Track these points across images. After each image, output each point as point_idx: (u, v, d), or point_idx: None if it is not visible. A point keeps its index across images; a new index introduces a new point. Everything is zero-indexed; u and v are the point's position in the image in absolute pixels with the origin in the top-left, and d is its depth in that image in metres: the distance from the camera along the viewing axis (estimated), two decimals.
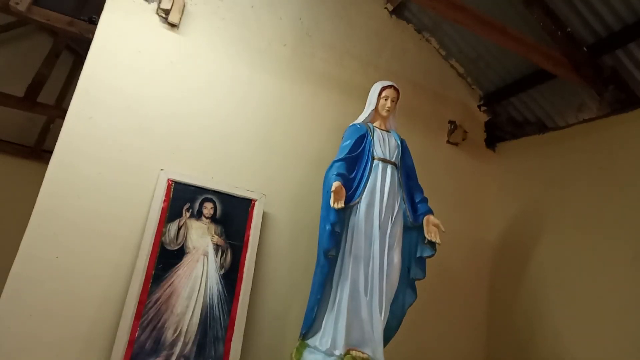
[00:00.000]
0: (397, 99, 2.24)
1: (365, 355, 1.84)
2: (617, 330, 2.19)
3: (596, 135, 2.54)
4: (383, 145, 2.14)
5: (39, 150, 4.29)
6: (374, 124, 2.21)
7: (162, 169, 2.13)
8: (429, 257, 2.09)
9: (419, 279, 2.11)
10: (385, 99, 2.20)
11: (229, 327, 2.04)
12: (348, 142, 2.12)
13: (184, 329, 1.98)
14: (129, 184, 2.07)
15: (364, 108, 2.28)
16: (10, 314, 1.80)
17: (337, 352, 1.81)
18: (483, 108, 3.12)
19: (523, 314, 2.63)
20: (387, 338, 1.98)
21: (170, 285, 2.01)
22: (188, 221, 2.12)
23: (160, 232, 2.04)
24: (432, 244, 2.06)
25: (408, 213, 2.09)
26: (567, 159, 2.66)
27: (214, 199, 2.19)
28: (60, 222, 1.93)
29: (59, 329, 1.85)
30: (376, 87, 2.25)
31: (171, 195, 2.11)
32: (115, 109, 2.11)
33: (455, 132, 2.97)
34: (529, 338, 2.56)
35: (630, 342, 2.13)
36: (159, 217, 2.05)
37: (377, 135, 2.16)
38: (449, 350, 2.67)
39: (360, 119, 2.24)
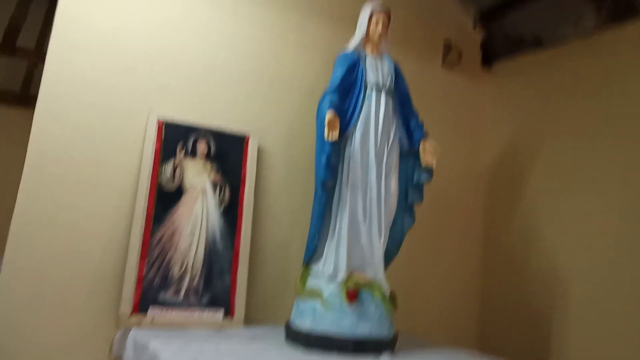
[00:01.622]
0: (389, 22, 2.15)
1: (367, 278, 1.91)
2: (613, 246, 2.26)
3: (593, 49, 2.48)
4: (376, 71, 2.09)
5: (26, 96, 4.21)
6: (366, 50, 2.15)
7: (150, 109, 2.09)
8: (426, 182, 2.11)
9: (417, 204, 2.14)
10: (377, 24, 2.12)
11: (234, 260, 2.10)
12: (340, 70, 2.06)
13: (190, 264, 2.03)
14: (119, 127, 2.04)
15: (355, 33, 2.20)
16: (17, 259, 1.83)
17: (340, 277, 1.87)
18: (478, 27, 3.01)
19: (519, 233, 2.70)
20: (387, 261, 2.04)
21: (171, 224, 2.04)
22: (183, 160, 2.11)
23: (156, 173, 2.04)
24: (428, 169, 2.07)
25: (404, 139, 2.08)
26: (564, 75, 2.61)
27: (207, 137, 2.18)
28: (53, 170, 1.92)
29: (67, 273, 1.90)
30: (366, 11, 2.15)
31: (163, 136, 2.09)
32: (95, 49, 2.03)
33: (450, 54, 2.89)
34: (524, 258, 2.65)
35: (625, 256, 2.20)
36: (152, 158, 2.04)
37: (370, 61, 2.10)
38: (447, 270, 2.77)
39: (351, 45, 2.17)
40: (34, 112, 1.93)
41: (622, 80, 2.33)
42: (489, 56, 3.02)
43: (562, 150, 2.56)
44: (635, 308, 2.13)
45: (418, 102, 2.20)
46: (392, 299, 1.91)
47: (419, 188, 2.12)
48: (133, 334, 1.82)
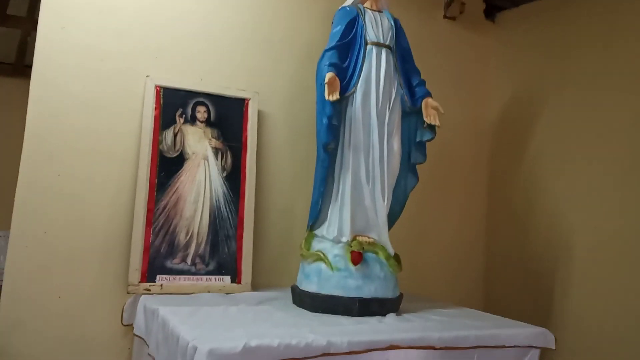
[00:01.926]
0: None
1: (371, 240, 1.92)
2: (618, 202, 2.24)
3: None
4: (376, 27, 2.02)
5: (22, 66, 4.13)
6: (365, 5, 2.07)
7: (147, 75, 2.05)
8: (429, 140, 2.08)
9: (420, 163, 2.12)
10: None
11: (239, 226, 2.11)
12: (338, 28, 2.00)
13: (195, 231, 2.05)
14: (116, 95, 2.01)
15: None
16: (24, 233, 1.85)
17: (344, 239, 1.88)
18: None
19: (523, 190, 2.68)
20: (391, 222, 2.05)
21: (175, 191, 2.04)
22: (183, 127, 2.09)
23: (156, 140, 2.03)
24: (431, 127, 2.04)
25: (406, 98, 2.04)
26: (570, 23, 2.53)
27: (206, 101, 2.14)
28: (53, 141, 1.91)
29: (75, 242, 1.92)
30: None
31: (161, 102, 2.06)
32: (88, 14, 1.98)
33: (452, 5, 2.79)
34: (528, 215, 2.64)
35: (630, 212, 2.19)
36: (152, 125, 2.02)
37: (369, 17, 2.03)
38: (450, 229, 2.78)
39: (350, 0, 2.09)
40: (29, 81, 1.89)
41: (629, 30, 2.25)
42: (492, 5, 2.92)
43: (566, 102, 2.50)
44: (637, 263, 2.13)
45: (420, 56, 2.14)
46: (397, 259, 1.93)
47: (422, 147, 2.10)
48: (143, 301, 1.86)
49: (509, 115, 2.83)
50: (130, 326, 1.92)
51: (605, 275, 2.25)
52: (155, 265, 1.96)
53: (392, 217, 2.05)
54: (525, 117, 2.72)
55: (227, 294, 2.01)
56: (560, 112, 2.53)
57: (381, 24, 2.04)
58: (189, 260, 2.01)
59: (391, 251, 1.91)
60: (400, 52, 2.08)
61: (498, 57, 2.93)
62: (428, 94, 2.06)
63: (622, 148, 2.23)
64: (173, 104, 2.08)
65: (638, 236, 2.14)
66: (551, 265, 2.48)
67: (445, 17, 2.80)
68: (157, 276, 1.95)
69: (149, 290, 1.91)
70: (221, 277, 2.04)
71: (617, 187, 2.24)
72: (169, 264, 1.98)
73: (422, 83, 2.09)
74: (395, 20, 2.09)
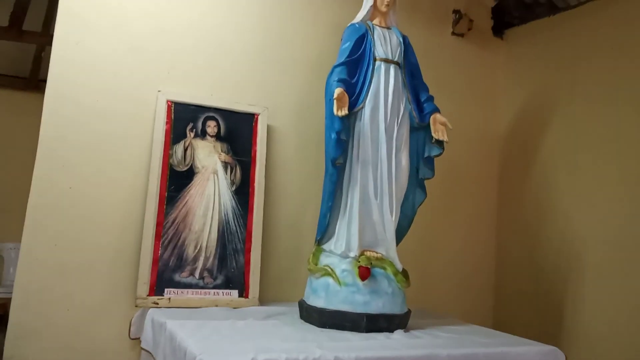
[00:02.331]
0: None
1: (379, 255, 1.91)
2: (628, 213, 2.22)
3: (608, 11, 2.40)
4: (384, 44, 2.04)
5: (35, 80, 4.21)
6: (374, 22, 2.10)
7: (159, 90, 2.08)
8: (437, 155, 2.08)
9: (428, 178, 2.12)
10: None
11: (247, 239, 2.12)
12: (347, 44, 2.02)
13: (204, 245, 2.06)
14: (128, 109, 2.05)
15: (362, 5, 2.14)
16: (34, 245, 1.87)
17: (352, 254, 1.87)
18: None
19: (533, 201, 2.67)
20: (399, 237, 2.04)
21: (184, 205, 2.05)
22: (193, 141, 2.11)
23: (167, 154, 2.05)
24: (439, 143, 2.04)
25: (414, 113, 2.05)
26: (578, 39, 2.54)
27: (216, 116, 2.17)
28: (65, 154, 1.94)
29: (84, 255, 1.94)
30: None
31: (172, 116, 2.09)
32: (102, 30, 2.02)
33: (460, 22, 2.81)
34: (538, 224, 2.62)
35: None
36: (163, 139, 2.05)
37: (378, 33, 2.05)
38: (459, 244, 2.76)
39: (359, 17, 2.12)
40: (43, 96, 1.93)
41: (635, 44, 2.26)
42: (501, 22, 2.93)
43: (575, 116, 2.50)
44: None
45: (428, 72, 2.16)
46: (405, 275, 1.92)
47: (430, 162, 2.10)
48: (151, 314, 1.87)
49: (518, 130, 2.83)
50: (137, 339, 1.93)
51: (618, 290, 2.22)
52: (164, 278, 1.97)
53: (400, 232, 2.05)
54: (534, 131, 2.71)
55: (234, 308, 2.01)
56: (569, 125, 2.53)
57: (390, 40, 2.06)
58: (197, 274, 2.02)
59: (399, 266, 1.91)
60: (409, 68, 2.09)
61: (506, 73, 2.93)
62: (436, 110, 2.06)
63: (634, 159, 2.22)
64: (184, 119, 2.11)
65: None
66: (562, 278, 2.45)
67: (453, 33, 2.82)
68: (166, 289, 1.96)
69: (157, 303, 1.92)
70: (229, 291, 2.04)
71: (629, 199, 2.22)
72: (177, 277, 1.99)
73: (431, 99, 2.10)
74: (404, 37, 2.11)
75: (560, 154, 2.57)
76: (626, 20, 2.31)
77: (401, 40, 2.09)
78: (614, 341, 2.20)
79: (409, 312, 1.91)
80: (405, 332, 1.81)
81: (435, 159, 2.11)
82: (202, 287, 2.01)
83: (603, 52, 2.41)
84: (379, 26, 2.08)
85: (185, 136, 2.10)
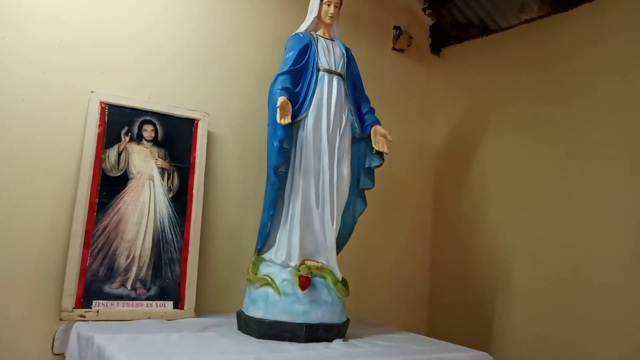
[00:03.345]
0: (341, 4, 2.13)
1: (319, 264, 1.92)
2: (551, 223, 2.37)
3: (536, 36, 2.56)
4: (328, 55, 2.06)
5: None
6: (318, 33, 2.11)
7: (92, 91, 1.98)
8: (377, 166, 2.12)
9: (369, 189, 2.15)
10: (328, 5, 2.09)
11: (184, 249, 2.05)
12: (291, 53, 2.02)
13: (137, 254, 1.97)
14: (58, 109, 1.92)
15: (306, 15, 2.16)
16: None
17: (293, 264, 1.86)
18: (428, 11, 3.04)
19: (465, 214, 2.79)
20: (340, 246, 2.06)
21: (117, 212, 1.96)
22: (128, 145, 2.02)
23: (99, 158, 1.95)
24: (380, 154, 2.08)
25: (356, 124, 2.08)
26: (509, 61, 2.69)
27: (154, 120, 2.09)
28: None
29: (4, 263, 1.79)
30: None
31: (106, 119, 1.99)
32: (30, 26, 1.89)
33: (400, 38, 2.90)
34: (470, 237, 2.73)
35: (564, 233, 2.31)
36: (95, 143, 1.94)
37: (322, 44, 2.07)
38: (396, 253, 2.82)
39: (303, 27, 2.13)
40: None
41: (562, 66, 2.42)
42: (438, 40, 3.06)
43: (506, 132, 2.64)
44: (572, 285, 2.25)
45: (369, 85, 2.20)
46: (344, 284, 1.93)
47: (371, 173, 2.14)
48: (77, 328, 1.75)
49: (453, 145, 2.95)
50: (62, 355, 1.80)
51: (543, 299, 2.35)
52: (92, 289, 1.86)
53: (341, 242, 2.06)
54: (468, 145, 2.84)
55: (169, 320, 1.93)
56: (500, 140, 2.67)
57: (333, 51, 2.08)
58: (128, 285, 1.92)
59: (339, 275, 1.92)
60: (351, 79, 2.13)
61: (443, 90, 3.06)
62: (377, 122, 2.11)
63: (556, 175, 2.37)
64: (119, 122, 2.01)
65: (573, 259, 2.26)
66: (492, 288, 2.57)
67: (394, 49, 2.90)
68: (94, 301, 1.85)
69: (84, 316, 1.81)
70: (163, 302, 1.96)
71: (553, 213, 2.37)
72: (107, 288, 1.88)
73: (372, 111, 2.14)
74: (347, 49, 2.15)
75: (490, 168, 2.70)
76: (552, 44, 2.48)
77: (344, 52, 2.12)
78: (539, 346, 2.33)
79: (347, 322, 1.92)
80: (344, 341, 1.82)
81: (375, 171, 2.15)
82: (134, 299, 1.92)
83: (530, 73, 2.56)
84: (323, 37, 2.11)
85: (119, 140, 2.01)
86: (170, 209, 2.05)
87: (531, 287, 2.41)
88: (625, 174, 2.13)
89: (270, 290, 1.81)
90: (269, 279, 1.83)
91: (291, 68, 1.98)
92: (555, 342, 2.27)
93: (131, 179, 2.00)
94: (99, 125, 1.97)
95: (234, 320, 1.91)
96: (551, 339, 2.29)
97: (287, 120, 1.85)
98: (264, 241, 1.95)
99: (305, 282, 1.80)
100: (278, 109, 1.84)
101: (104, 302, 1.86)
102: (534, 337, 2.36)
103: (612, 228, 2.14)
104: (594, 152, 2.25)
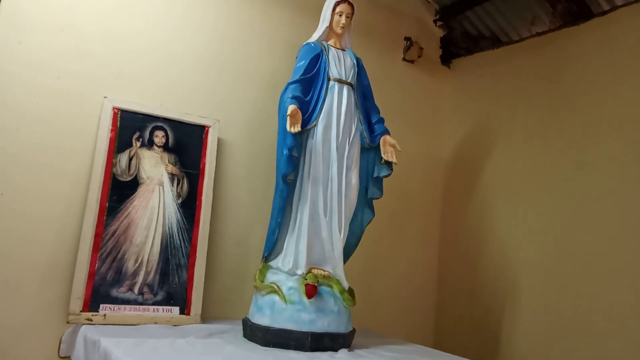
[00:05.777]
0: (352, 14, 2.14)
1: (326, 273, 1.91)
2: (560, 237, 2.35)
3: (547, 49, 2.56)
4: (339, 65, 2.07)
5: None
6: (329, 43, 2.13)
7: (105, 97, 2.01)
8: (386, 176, 2.12)
9: (377, 198, 2.15)
10: (340, 15, 2.11)
11: (191, 254, 2.06)
12: (302, 62, 2.04)
13: (145, 259, 1.98)
14: (72, 114, 1.95)
15: (318, 25, 2.18)
16: None
17: (299, 272, 1.86)
18: (439, 23, 3.05)
19: (472, 227, 2.77)
20: (347, 255, 2.05)
21: (126, 216, 1.97)
22: (139, 151, 2.04)
23: (110, 163, 1.97)
24: (388, 164, 2.08)
25: (365, 134, 2.08)
26: (519, 73, 2.69)
27: (165, 126, 2.11)
28: (2, 154, 1.81)
29: (14, 265, 1.81)
30: (329, 2, 2.14)
31: (118, 124, 2.01)
32: (46, 31, 1.93)
33: (411, 49, 2.92)
34: (477, 250, 2.72)
35: (573, 247, 2.29)
36: (107, 147, 1.96)
37: (333, 54, 2.09)
38: (404, 264, 2.81)
39: (314, 37, 2.14)
40: None
41: (573, 79, 2.42)
42: (449, 52, 3.07)
43: (515, 144, 2.63)
44: (580, 301, 2.23)
45: (379, 95, 2.21)
46: (351, 293, 1.92)
47: (379, 183, 2.14)
48: (83, 331, 1.76)
49: (461, 155, 2.95)
50: (68, 358, 1.81)
51: (551, 313, 2.33)
52: (100, 293, 1.87)
53: (348, 251, 2.06)
54: (477, 156, 2.83)
55: (175, 325, 1.93)
56: (508, 153, 2.66)
57: (344, 61, 2.10)
58: (136, 289, 1.93)
59: (345, 285, 1.91)
60: (361, 89, 2.13)
61: (452, 101, 3.06)
62: (386, 132, 2.11)
63: (568, 187, 2.36)
64: (130, 127, 2.04)
65: (582, 274, 2.24)
66: (499, 302, 2.55)
67: (404, 59, 2.91)
68: (101, 305, 1.86)
69: (91, 320, 1.82)
70: (170, 307, 1.96)
71: (561, 225, 2.35)
72: (114, 292, 1.89)
73: (381, 121, 2.15)
74: (358, 59, 2.16)
75: (499, 180, 2.69)
76: (562, 57, 2.48)
77: (355, 62, 2.13)
78: None
79: (353, 331, 1.91)
80: (349, 351, 1.81)
81: (384, 180, 2.15)
82: (140, 303, 1.92)
83: (540, 86, 2.56)
84: (334, 47, 2.12)
85: (131, 145, 2.03)
86: (179, 215, 2.06)
87: (538, 301, 2.39)
88: (637, 186, 2.11)
89: (276, 298, 1.81)
90: (276, 287, 1.83)
91: (302, 77, 2.00)
92: (562, 358, 2.24)
93: (141, 183, 2.02)
94: (111, 130, 1.99)
95: (240, 327, 1.91)
96: (558, 354, 2.26)
97: (297, 128, 1.86)
98: (271, 249, 1.95)
99: (311, 291, 1.80)
100: (288, 117, 1.85)
101: (111, 306, 1.87)
102: (540, 351, 2.33)
103: (623, 243, 2.12)
104: (604, 164, 2.23)
